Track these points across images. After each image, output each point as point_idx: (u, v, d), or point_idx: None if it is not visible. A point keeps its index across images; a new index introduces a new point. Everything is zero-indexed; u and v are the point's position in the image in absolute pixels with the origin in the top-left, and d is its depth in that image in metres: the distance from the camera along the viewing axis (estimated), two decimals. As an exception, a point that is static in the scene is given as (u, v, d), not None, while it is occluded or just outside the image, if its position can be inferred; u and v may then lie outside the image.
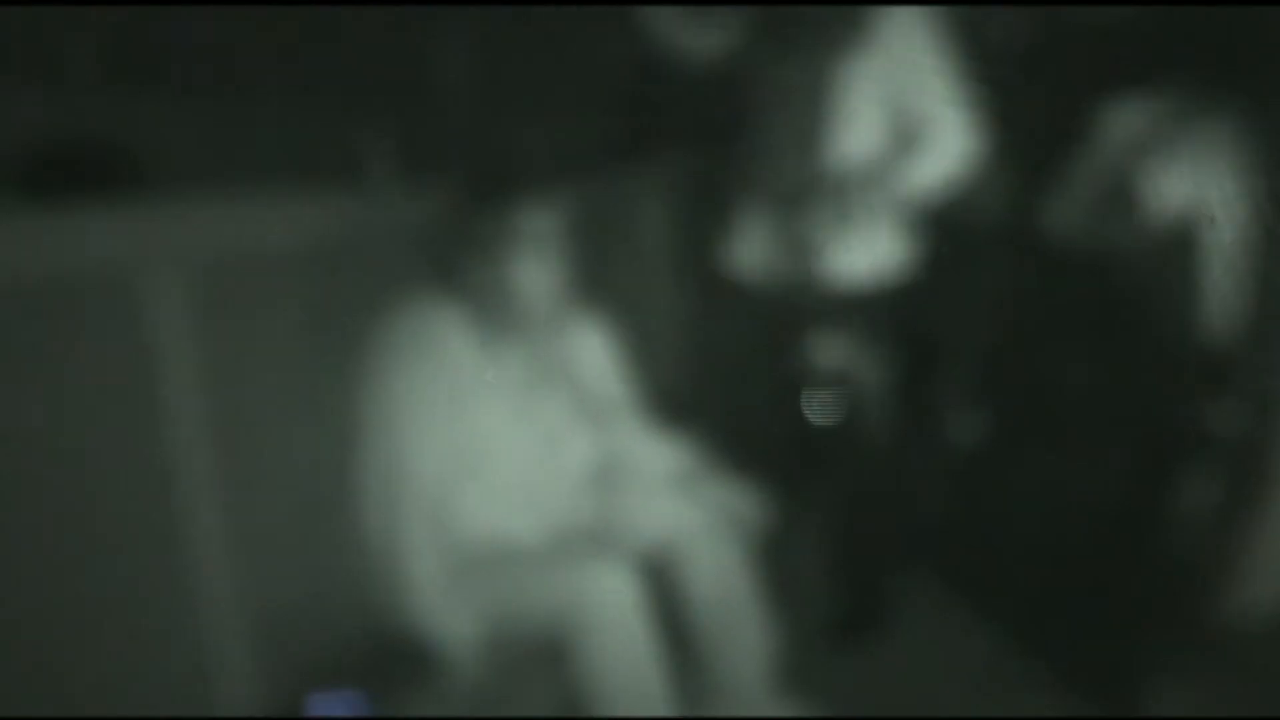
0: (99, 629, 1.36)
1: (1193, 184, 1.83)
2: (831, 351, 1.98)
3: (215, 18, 1.80)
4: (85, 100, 1.70)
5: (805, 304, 1.99)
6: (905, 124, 1.90)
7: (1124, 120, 1.94)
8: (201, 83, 1.82)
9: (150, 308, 1.45)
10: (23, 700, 1.27)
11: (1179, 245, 1.84)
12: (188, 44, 1.80)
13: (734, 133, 1.96)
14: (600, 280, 1.69)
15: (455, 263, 1.61)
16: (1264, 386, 1.86)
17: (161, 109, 1.75)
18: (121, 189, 1.63)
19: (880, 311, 2.00)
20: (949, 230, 2.01)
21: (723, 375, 2.06)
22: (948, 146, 1.90)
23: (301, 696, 1.51)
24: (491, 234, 1.57)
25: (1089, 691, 1.92)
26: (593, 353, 1.76)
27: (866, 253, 1.96)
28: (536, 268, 1.58)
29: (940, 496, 2.26)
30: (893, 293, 1.99)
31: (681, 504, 1.72)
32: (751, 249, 1.99)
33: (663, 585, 1.65)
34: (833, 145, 1.91)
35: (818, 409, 1.94)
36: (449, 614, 1.56)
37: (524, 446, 1.65)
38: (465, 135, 2.15)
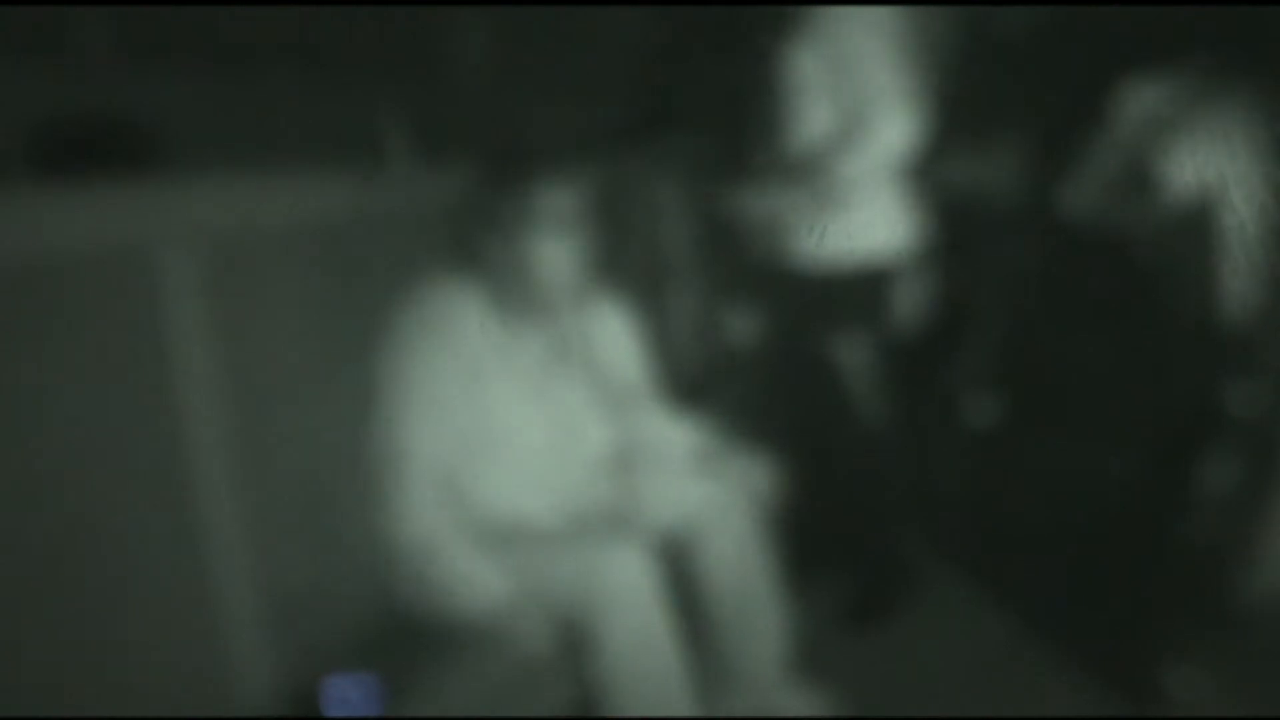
0: (113, 607, 1.35)
1: (1211, 164, 1.82)
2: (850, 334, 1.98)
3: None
4: (99, 77, 1.69)
5: (823, 284, 1.99)
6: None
7: (1142, 100, 1.92)
8: (216, 59, 1.80)
9: (164, 286, 1.43)
10: (34, 684, 1.26)
11: (1197, 226, 1.82)
12: (202, 20, 1.79)
13: (747, 113, 1.95)
14: (618, 262, 1.68)
15: (474, 243, 1.60)
16: (1280, 368, 1.85)
17: (176, 86, 1.74)
18: (136, 166, 1.62)
19: (890, 292, 2.00)
20: (966, 211, 2.00)
21: (738, 357, 2.05)
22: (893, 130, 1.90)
23: (316, 678, 1.50)
24: (510, 214, 1.56)
25: (1106, 676, 1.91)
26: (611, 334, 1.75)
27: (874, 235, 1.96)
28: (556, 248, 1.57)
29: (957, 479, 2.25)
30: (904, 274, 1.99)
31: (698, 486, 1.70)
32: (773, 230, 1.99)
33: (679, 567, 1.64)
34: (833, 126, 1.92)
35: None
36: (466, 596, 1.55)
37: (542, 428, 1.64)
38: (483, 114, 2.14)
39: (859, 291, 1.99)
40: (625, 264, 1.71)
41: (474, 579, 1.54)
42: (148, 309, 1.41)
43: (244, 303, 1.54)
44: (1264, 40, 1.82)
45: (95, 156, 1.56)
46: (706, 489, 1.70)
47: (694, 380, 1.95)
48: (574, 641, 1.49)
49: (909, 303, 2.02)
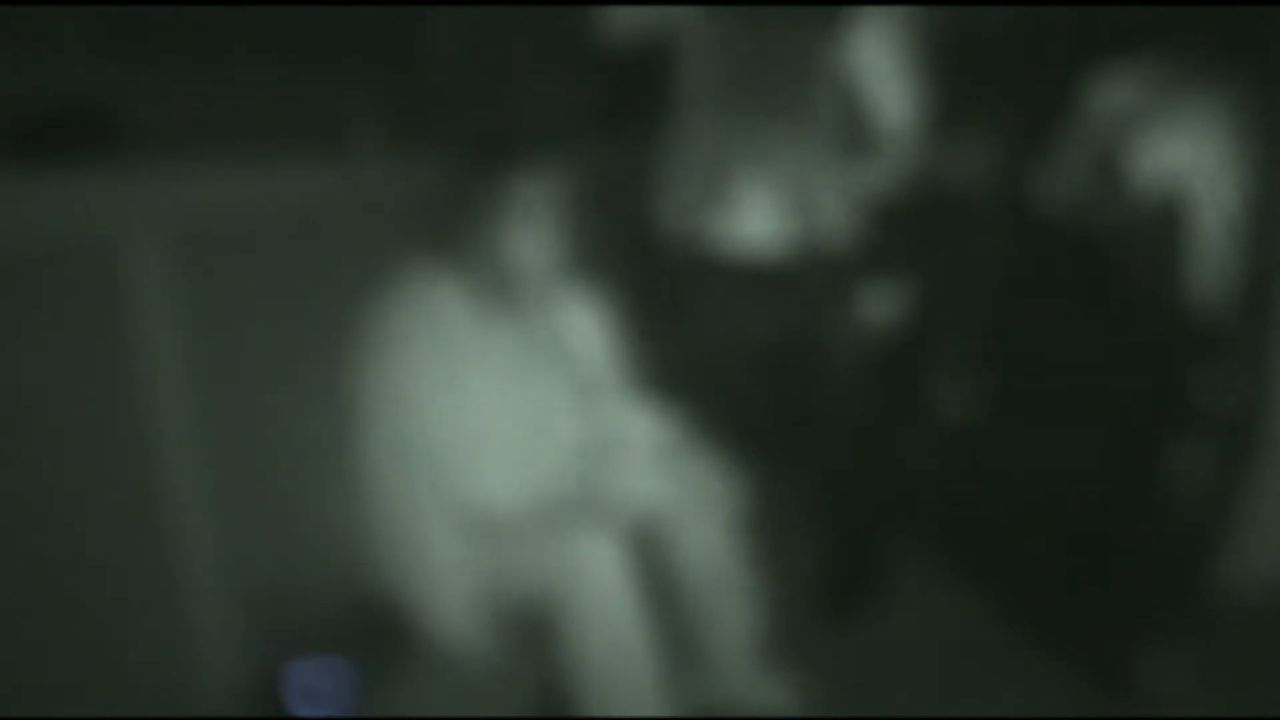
0: (81, 601, 1.34)
1: (1181, 157, 1.83)
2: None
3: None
4: (65, 64, 1.67)
5: (796, 276, 1.99)
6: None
7: (1112, 94, 1.93)
8: (187, 45, 1.79)
9: (131, 275, 1.42)
10: (4, 675, 1.25)
11: (1167, 218, 1.83)
12: (170, 6, 1.77)
13: (719, 106, 1.95)
14: (594, 253, 1.68)
15: (448, 233, 1.59)
16: (1255, 358, 1.86)
17: (143, 72, 1.72)
18: (102, 154, 1.60)
19: (869, 283, 2.01)
20: (938, 205, 2.01)
21: (711, 348, 2.05)
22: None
23: (283, 670, 1.50)
24: (484, 203, 1.56)
25: (1083, 664, 1.92)
26: (585, 326, 1.75)
27: (846, 227, 1.98)
28: (528, 237, 1.57)
29: (932, 471, 2.26)
30: (878, 266, 2.00)
31: (671, 476, 1.70)
32: (741, 221, 1.99)
33: (651, 558, 1.63)
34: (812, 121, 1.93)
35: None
36: (438, 586, 1.54)
37: (516, 419, 1.62)
38: (459, 102, 2.13)
39: (838, 280, 2.00)
40: (600, 255, 1.71)
41: (446, 569, 1.53)
42: (114, 298, 1.41)
43: (213, 292, 1.52)
44: (1233, 35, 1.83)
45: (62, 142, 1.55)
46: (679, 479, 1.69)
47: (668, 371, 1.95)
48: (543, 632, 1.48)
49: (864, 299, 2.04)
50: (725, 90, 1.94)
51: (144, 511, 1.46)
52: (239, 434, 1.55)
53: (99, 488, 1.39)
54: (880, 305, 2.03)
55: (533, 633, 1.52)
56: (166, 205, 1.48)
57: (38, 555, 1.30)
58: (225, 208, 1.55)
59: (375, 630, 1.59)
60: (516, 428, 1.63)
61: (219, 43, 1.82)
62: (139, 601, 1.45)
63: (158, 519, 1.47)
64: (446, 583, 1.54)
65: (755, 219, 1.98)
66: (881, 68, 1.96)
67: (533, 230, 1.56)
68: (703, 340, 2.04)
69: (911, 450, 2.21)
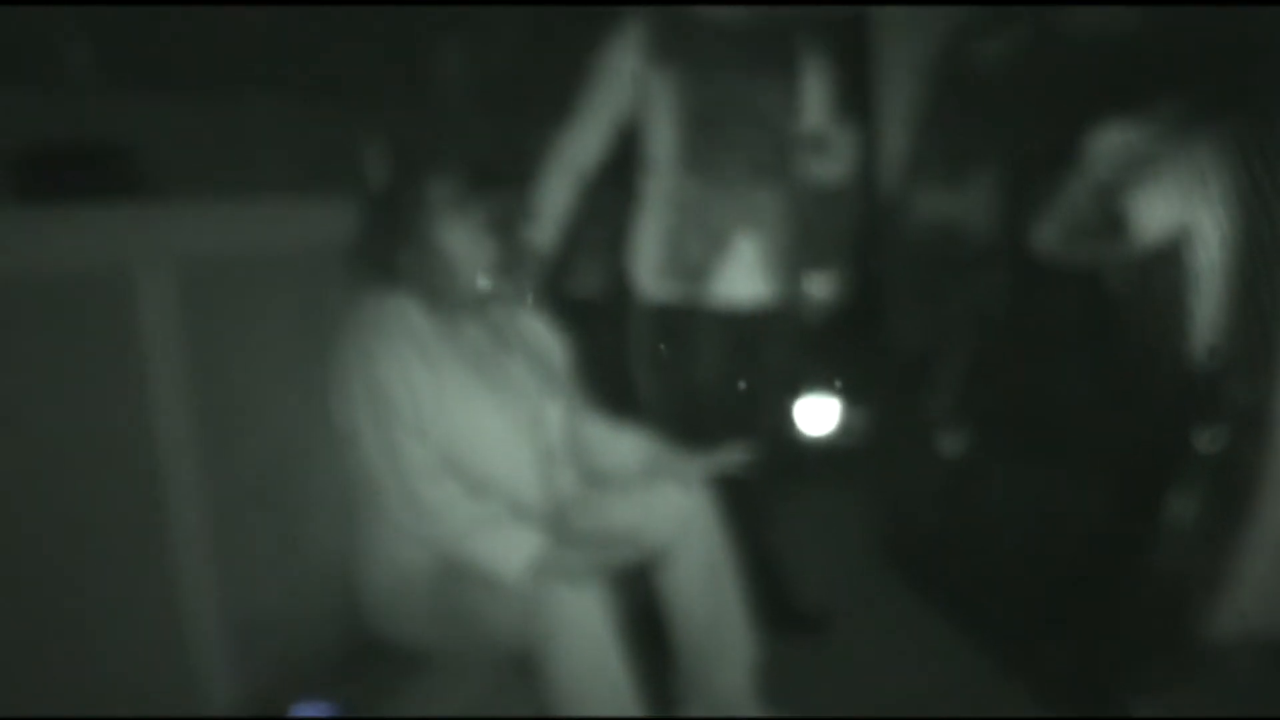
0: (80, 625, 1.37)
1: (1182, 204, 1.83)
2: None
3: (212, 20, 1.82)
4: (81, 101, 1.71)
5: (770, 316, 2.03)
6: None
7: (1114, 139, 1.94)
8: (198, 85, 1.83)
9: (142, 309, 1.45)
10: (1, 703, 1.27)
11: (1167, 264, 1.84)
12: (183, 46, 1.81)
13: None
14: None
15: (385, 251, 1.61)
16: (1251, 404, 1.86)
17: (157, 110, 1.76)
18: (116, 190, 1.64)
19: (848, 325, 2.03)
20: (939, 247, 2.02)
21: (703, 381, 2.06)
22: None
23: (280, 700, 1.50)
24: (417, 221, 1.58)
25: (1072, 706, 1.92)
26: (536, 330, 1.79)
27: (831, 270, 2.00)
28: (468, 250, 1.59)
29: (926, 510, 2.26)
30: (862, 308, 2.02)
31: (651, 502, 1.72)
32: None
33: (634, 586, 1.64)
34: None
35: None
36: (423, 620, 1.56)
37: (493, 443, 1.62)
38: (463, 137, 2.16)
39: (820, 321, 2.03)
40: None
41: (427, 603, 1.55)
42: (125, 332, 1.44)
43: (221, 326, 1.56)
44: (1236, 82, 1.84)
45: (77, 180, 1.58)
46: (660, 505, 1.71)
47: (651, 401, 1.97)
48: (526, 668, 1.48)
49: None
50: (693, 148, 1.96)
51: (148, 540, 1.48)
52: (245, 466, 1.59)
53: (105, 516, 1.42)
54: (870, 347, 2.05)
55: (519, 666, 1.51)
56: (178, 239, 1.52)
57: (40, 580, 1.32)
58: (235, 242, 1.58)
59: (371, 661, 1.61)
60: (498, 453, 1.62)
61: (230, 85, 1.85)
62: (140, 626, 1.47)
63: (161, 548, 1.50)
64: (433, 617, 1.55)
65: (737, 277, 2.01)
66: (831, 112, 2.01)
67: (472, 242, 1.59)
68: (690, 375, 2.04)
69: (908, 491, 2.22)
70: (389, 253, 1.60)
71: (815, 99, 2.01)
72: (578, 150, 1.97)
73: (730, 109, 1.94)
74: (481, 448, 1.59)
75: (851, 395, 2.04)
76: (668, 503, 1.72)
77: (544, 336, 1.80)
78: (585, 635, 1.42)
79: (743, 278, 2.00)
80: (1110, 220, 1.91)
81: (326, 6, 2.00)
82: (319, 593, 1.67)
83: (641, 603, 1.67)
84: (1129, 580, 1.89)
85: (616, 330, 2.04)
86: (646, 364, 2.04)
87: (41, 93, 1.62)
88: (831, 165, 2.00)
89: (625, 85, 1.95)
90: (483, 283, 1.62)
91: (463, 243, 1.59)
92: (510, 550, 1.46)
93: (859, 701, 1.95)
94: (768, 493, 2.11)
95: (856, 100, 2.04)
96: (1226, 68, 1.83)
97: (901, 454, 2.20)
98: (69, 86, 1.69)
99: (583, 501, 1.73)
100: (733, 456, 1.76)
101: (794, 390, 2.06)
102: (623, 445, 1.81)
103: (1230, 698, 1.90)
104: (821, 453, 2.25)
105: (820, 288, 2.05)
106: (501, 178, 1.65)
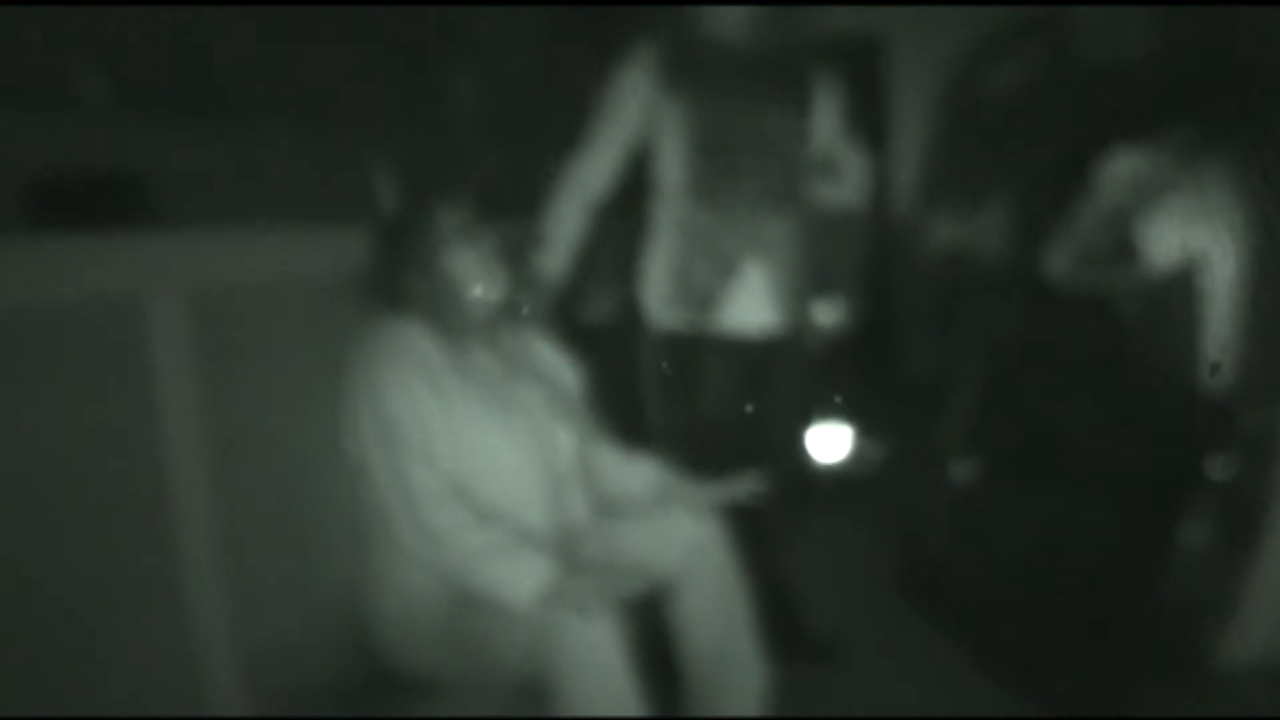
0: (91, 653, 1.36)
1: (1193, 230, 1.84)
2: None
3: (223, 46, 1.83)
4: (94, 129, 1.72)
5: (781, 343, 2.03)
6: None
7: (1126, 165, 1.95)
8: (211, 113, 1.84)
9: (154, 338, 1.46)
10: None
11: (1179, 290, 1.84)
12: (196, 75, 1.82)
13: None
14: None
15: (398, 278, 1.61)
16: (1263, 430, 1.85)
17: (170, 139, 1.77)
18: (129, 218, 1.65)
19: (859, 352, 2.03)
20: (953, 274, 2.03)
21: (714, 409, 2.06)
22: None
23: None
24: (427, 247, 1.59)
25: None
26: (546, 355, 1.79)
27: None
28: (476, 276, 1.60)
29: (937, 537, 2.26)
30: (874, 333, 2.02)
31: (662, 530, 1.71)
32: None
33: (644, 614, 1.63)
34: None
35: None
36: (433, 648, 1.56)
37: (503, 470, 1.61)
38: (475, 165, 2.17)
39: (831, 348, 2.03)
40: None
41: (437, 631, 1.54)
42: (138, 359, 1.45)
43: (233, 354, 1.57)
44: (1246, 109, 1.85)
45: (90, 209, 1.59)
46: (671, 534, 1.70)
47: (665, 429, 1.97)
48: (536, 696, 1.47)
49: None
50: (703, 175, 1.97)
51: (159, 567, 1.48)
52: (256, 491, 1.59)
53: (117, 543, 1.42)
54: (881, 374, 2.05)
55: (530, 693, 1.52)
56: (191, 268, 1.53)
57: (49, 614, 1.32)
58: (247, 270, 1.59)
59: (382, 690, 1.60)
60: (509, 481, 1.62)
61: (242, 114, 1.86)
62: (151, 654, 1.47)
63: (173, 576, 1.50)
64: (444, 644, 1.55)
65: (747, 304, 2.01)
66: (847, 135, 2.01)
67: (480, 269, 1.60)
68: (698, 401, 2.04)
69: (921, 517, 2.22)
70: (400, 281, 1.61)
71: (826, 125, 2.01)
72: (589, 177, 1.98)
73: (741, 136, 1.95)
74: (491, 475, 1.58)
75: (863, 423, 2.04)
76: (678, 531, 1.71)
77: (555, 363, 1.81)
78: (596, 664, 1.42)
79: (753, 305, 2.00)
80: (1121, 246, 1.92)
81: (340, 38, 2.02)
82: (329, 620, 1.67)
83: (652, 631, 1.66)
84: (1139, 607, 1.88)
85: (627, 357, 2.04)
86: (657, 391, 2.04)
87: (54, 121, 1.63)
88: (842, 192, 2.02)
89: (636, 112, 1.96)
90: (493, 310, 1.62)
91: (473, 270, 1.60)
92: (520, 578, 1.46)
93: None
94: (779, 521, 2.10)
95: (867, 126, 2.05)
96: (1235, 94, 1.84)
97: (913, 481, 2.19)
98: (82, 115, 1.70)
99: (593, 529, 1.72)
100: (744, 484, 1.76)
101: (805, 418, 2.05)
102: (633, 473, 1.81)
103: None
104: (833, 480, 2.25)
105: (831, 315, 2.05)
106: (512, 206, 1.66)
